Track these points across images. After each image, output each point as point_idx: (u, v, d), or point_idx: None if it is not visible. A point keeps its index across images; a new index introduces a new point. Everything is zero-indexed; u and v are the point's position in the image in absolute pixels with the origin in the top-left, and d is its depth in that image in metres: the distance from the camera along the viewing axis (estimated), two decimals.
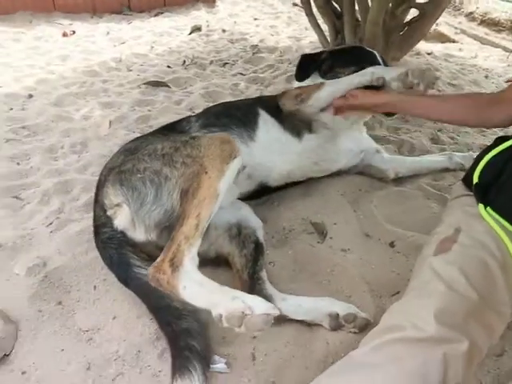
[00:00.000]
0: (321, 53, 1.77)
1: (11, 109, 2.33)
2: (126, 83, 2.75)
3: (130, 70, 2.99)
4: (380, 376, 0.88)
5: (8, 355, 1.08)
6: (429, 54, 3.29)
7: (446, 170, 1.86)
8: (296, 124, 1.59)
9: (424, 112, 1.50)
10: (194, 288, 1.06)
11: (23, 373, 1.05)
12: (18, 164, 1.85)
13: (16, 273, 1.30)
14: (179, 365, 1.01)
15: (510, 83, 1.38)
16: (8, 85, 2.65)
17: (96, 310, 1.21)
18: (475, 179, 1.21)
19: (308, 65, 1.73)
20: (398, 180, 1.79)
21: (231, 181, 1.26)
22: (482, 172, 1.21)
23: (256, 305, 0.96)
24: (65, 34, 3.79)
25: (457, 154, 1.90)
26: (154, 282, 1.11)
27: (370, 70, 1.55)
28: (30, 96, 2.48)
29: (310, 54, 1.82)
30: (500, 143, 1.22)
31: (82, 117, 2.26)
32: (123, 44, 3.62)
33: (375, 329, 1.01)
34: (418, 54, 3.22)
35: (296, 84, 1.76)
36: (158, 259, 1.12)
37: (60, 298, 1.24)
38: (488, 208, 1.15)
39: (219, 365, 1.07)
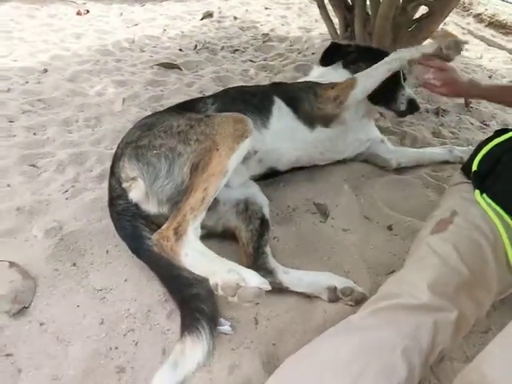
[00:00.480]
0: (349, 45, 1.84)
1: (27, 82, 2.39)
2: (138, 63, 2.80)
3: (143, 51, 3.04)
4: (376, 336, 0.95)
5: (27, 308, 1.15)
6: None
7: (446, 162, 1.93)
8: (314, 118, 1.64)
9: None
10: (195, 256, 1.12)
11: (41, 324, 1.12)
12: (35, 134, 1.91)
13: (34, 235, 1.37)
14: (189, 324, 1.08)
15: None
16: (23, 59, 2.71)
17: (108, 273, 1.28)
18: (474, 167, 1.29)
19: (335, 53, 1.80)
20: (400, 169, 1.86)
21: (240, 159, 1.31)
22: (481, 161, 1.29)
23: (250, 278, 1.02)
24: (79, 13, 3.83)
25: (457, 147, 1.96)
26: (157, 248, 1.18)
27: (393, 56, 1.59)
28: (45, 71, 2.54)
29: (339, 44, 1.88)
30: (500, 135, 1.30)
31: (96, 93, 2.32)
32: (136, 26, 3.67)
33: (372, 297, 1.09)
34: None
35: (315, 70, 1.81)
36: (164, 226, 1.18)
37: (75, 260, 1.30)
38: (484, 194, 1.23)
39: (224, 327, 1.14)
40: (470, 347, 1.15)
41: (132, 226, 1.28)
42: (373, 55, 1.73)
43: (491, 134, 1.37)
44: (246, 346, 1.11)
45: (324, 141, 1.67)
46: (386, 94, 1.72)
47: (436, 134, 2.23)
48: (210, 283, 1.04)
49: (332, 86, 1.65)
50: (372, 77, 1.60)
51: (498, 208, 1.19)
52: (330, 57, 1.81)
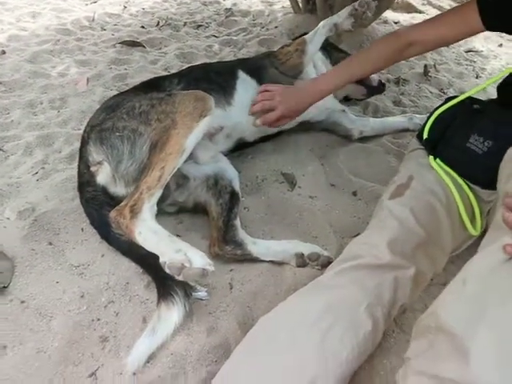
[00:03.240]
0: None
1: None
2: (100, 42, 2.75)
3: (104, 30, 2.98)
4: (342, 294, 1.03)
5: (6, 287, 1.17)
6: (396, 22, 3.41)
7: (407, 130, 2.01)
8: (276, 79, 1.71)
9: (353, 77, 1.58)
10: (148, 235, 1.17)
11: (22, 302, 1.14)
12: None
13: (7, 217, 1.38)
14: (163, 291, 1.13)
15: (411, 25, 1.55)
16: None
17: (85, 249, 1.31)
18: (425, 135, 1.37)
19: None
20: (362, 138, 1.94)
21: (199, 138, 1.34)
22: (430, 128, 1.37)
23: (195, 259, 1.07)
24: None
25: (416, 115, 2.04)
26: (114, 224, 1.23)
27: (322, 23, 1.75)
28: (3, 52, 2.46)
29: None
30: (448, 102, 1.38)
31: (58, 74, 2.27)
32: (95, 3, 3.57)
33: (338, 258, 1.17)
34: (386, 22, 3.33)
35: None
36: (121, 204, 1.23)
37: (50, 239, 1.32)
38: (437, 159, 1.31)
39: (200, 293, 1.19)
40: (430, 299, 1.23)
41: (99, 214, 1.31)
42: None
43: None
44: (222, 309, 1.17)
45: None
46: None
47: (397, 102, 2.32)
48: (160, 261, 1.09)
49: (287, 44, 1.83)
50: (316, 37, 1.76)
51: (450, 170, 1.28)
52: None
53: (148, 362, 1.03)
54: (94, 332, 1.09)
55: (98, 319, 1.12)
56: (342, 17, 1.70)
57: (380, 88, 2.07)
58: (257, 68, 1.73)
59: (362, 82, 2.01)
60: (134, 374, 1.00)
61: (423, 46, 1.47)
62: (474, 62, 3.00)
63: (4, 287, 1.17)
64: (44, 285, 1.19)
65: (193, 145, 1.31)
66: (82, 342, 1.07)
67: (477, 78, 2.76)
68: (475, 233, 1.22)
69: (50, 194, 1.46)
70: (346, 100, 2.14)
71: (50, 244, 1.32)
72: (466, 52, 3.12)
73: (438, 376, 0.76)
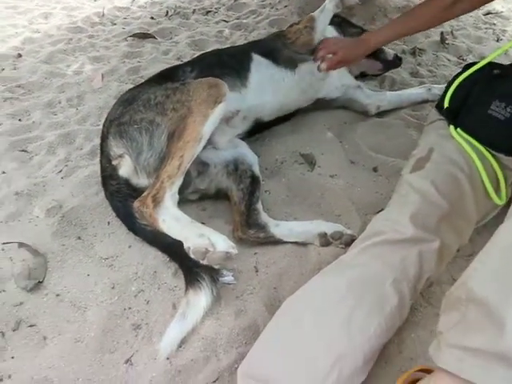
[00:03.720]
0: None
1: (3, 69, 2.37)
2: (111, 37, 2.77)
3: (115, 24, 2.99)
4: (366, 272, 1.04)
5: (41, 282, 1.22)
6: None
7: (426, 101, 1.97)
8: (291, 57, 1.71)
9: (404, 33, 1.69)
10: (171, 222, 1.20)
11: (57, 295, 1.19)
12: (20, 120, 1.92)
13: (36, 215, 1.42)
14: (190, 278, 1.16)
15: None
16: None
17: (112, 242, 1.34)
18: (446, 104, 1.34)
19: None
20: (380, 112, 1.91)
21: (216, 124, 1.35)
22: (451, 97, 1.34)
23: (218, 243, 1.10)
24: None
25: (435, 85, 1.99)
26: (138, 214, 1.26)
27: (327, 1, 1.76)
28: (19, 55, 2.51)
29: None
30: (469, 69, 1.34)
31: (74, 72, 2.31)
32: None
33: (361, 236, 1.17)
34: None
35: None
36: (144, 194, 1.26)
37: (79, 234, 1.37)
38: (458, 129, 1.28)
39: (227, 278, 1.21)
40: (457, 271, 1.23)
41: (124, 206, 1.34)
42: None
43: None
44: (249, 292, 1.20)
45: (306, 77, 1.73)
46: None
47: (414, 74, 2.26)
48: (184, 247, 1.13)
49: (296, 22, 1.82)
50: (323, 13, 1.74)
51: (472, 140, 1.25)
52: None
53: (180, 346, 1.06)
54: (127, 320, 1.13)
55: (130, 308, 1.16)
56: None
57: (396, 62, 2.04)
58: (269, 48, 1.72)
59: (378, 56, 1.98)
60: (168, 358, 1.04)
61: (469, 1, 1.46)
62: (494, 24, 2.89)
63: (39, 282, 1.22)
64: (76, 278, 1.24)
65: (210, 131, 1.33)
66: (116, 331, 1.11)
67: (497, 41, 2.66)
68: (500, 202, 1.20)
69: (75, 191, 1.50)
70: (362, 76, 2.10)
71: (79, 238, 1.36)
72: (485, 15, 3.00)
73: (470, 347, 0.75)
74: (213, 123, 1.33)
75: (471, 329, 0.77)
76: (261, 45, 1.79)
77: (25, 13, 3.28)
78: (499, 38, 2.68)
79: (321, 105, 1.88)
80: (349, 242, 1.27)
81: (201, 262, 1.10)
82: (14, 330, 1.10)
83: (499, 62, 1.36)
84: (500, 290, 0.75)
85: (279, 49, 1.73)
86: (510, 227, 0.84)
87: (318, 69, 1.65)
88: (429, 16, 1.53)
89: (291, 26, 1.83)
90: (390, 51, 2.03)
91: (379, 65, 2.02)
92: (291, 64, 1.70)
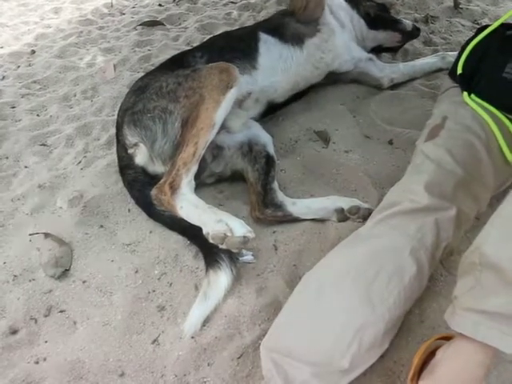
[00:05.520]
0: None
1: (18, 66, 2.42)
2: (121, 27, 2.78)
3: (123, 14, 3.00)
4: (384, 242, 1.04)
5: (68, 270, 1.26)
6: None
7: (440, 70, 1.92)
8: (298, 32, 1.70)
9: None
10: (189, 208, 1.23)
11: (84, 282, 1.23)
12: (38, 115, 1.97)
13: (59, 206, 1.46)
14: (210, 260, 1.19)
15: None
16: (9, 44, 2.72)
17: (134, 228, 1.38)
18: (459, 70, 1.31)
19: None
20: (394, 84, 1.87)
21: (228, 109, 1.36)
22: (464, 62, 1.31)
23: (236, 228, 1.12)
24: None
25: (449, 53, 1.95)
26: (156, 201, 1.29)
27: None
28: (33, 52, 2.56)
29: None
30: (480, 33, 1.30)
31: (86, 65, 2.33)
32: None
33: (377, 208, 1.17)
34: None
35: None
36: (161, 181, 1.28)
37: (101, 222, 1.40)
38: (472, 95, 1.26)
39: (246, 257, 1.23)
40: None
41: (142, 194, 1.37)
42: None
43: None
44: (269, 270, 1.21)
45: (315, 52, 1.71)
46: (387, 19, 1.95)
47: (427, 42, 2.21)
48: (203, 232, 1.16)
49: None
50: None
51: (486, 105, 1.23)
52: None
53: (204, 325, 1.09)
54: (152, 303, 1.17)
55: (154, 291, 1.19)
56: None
57: (415, 33, 2.01)
58: (276, 26, 1.70)
59: (396, 27, 1.96)
60: (193, 337, 1.07)
61: None
62: None
63: (66, 270, 1.26)
64: (101, 264, 1.28)
65: (223, 117, 1.33)
66: (142, 313, 1.14)
67: None
68: None
69: (94, 181, 1.54)
70: (380, 51, 2.06)
71: (102, 227, 1.39)
72: None
73: (486, 311, 0.76)
74: (225, 109, 1.34)
75: (486, 292, 0.77)
76: (267, 23, 1.78)
77: (35, 9, 3.32)
78: None
79: (333, 79, 1.86)
80: (366, 215, 1.26)
81: (220, 246, 1.13)
82: (45, 316, 1.15)
83: None
84: None
85: (285, 25, 1.71)
86: None
87: None
88: None
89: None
90: (408, 22, 1.99)
91: (398, 36, 1.98)
92: (298, 40, 1.68)
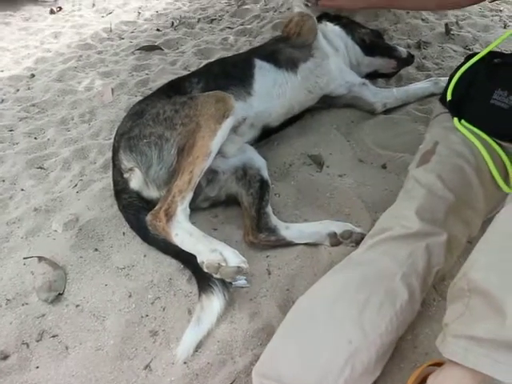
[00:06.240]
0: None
1: (18, 90, 2.45)
2: (120, 51, 2.83)
3: (122, 39, 3.06)
4: (375, 268, 1.04)
5: (62, 294, 1.26)
6: None
7: (433, 95, 1.96)
8: (292, 57, 1.74)
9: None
10: (184, 236, 1.25)
11: (77, 306, 1.23)
12: (36, 138, 1.99)
13: (54, 229, 1.47)
14: (203, 284, 1.19)
15: None
16: (9, 68, 2.76)
17: (128, 252, 1.38)
18: (448, 96, 1.34)
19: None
20: (387, 109, 1.91)
21: (224, 138, 1.38)
22: (453, 89, 1.34)
23: (230, 258, 1.14)
24: (52, 12, 3.81)
25: (441, 78, 1.99)
26: (151, 227, 1.30)
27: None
28: (33, 76, 2.59)
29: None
30: (468, 60, 1.34)
31: (85, 88, 2.37)
32: (110, 14, 3.65)
33: (369, 233, 1.18)
34: None
35: None
36: (156, 208, 1.29)
37: (96, 246, 1.41)
38: (462, 121, 1.29)
39: (240, 281, 1.23)
40: None
41: (137, 219, 1.38)
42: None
43: None
44: (262, 295, 1.22)
45: (309, 76, 1.75)
46: (382, 46, 2.00)
47: (420, 67, 2.26)
48: (198, 261, 1.17)
49: (289, 21, 1.87)
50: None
51: (476, 130, 1.25)
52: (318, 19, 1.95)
53: (196, 350, 1.09)
54: (145, 327, 1.16)
55: (147, 315, 1.19)
56: None
57: (409, 60, 2.06)
58: (271, 52, 1.75)
59: (392, 54, 2.01)
60: (185, 362, 1.07)
61: None
62: (500, 11, 2.86)
63: (60, 294, 1.26)
64: (95, 288, 1.27)
65: (219, 145, 1.36)
66: (135, 338, 1.14)
67: (505, 27, 2.63)
68: (509, 190, 1.19)
69: (90, 204, 1.55)
70: (376, 76, 2.11)
71: (96, 250, 1.40)
72: (491, 1, 2.96)
73: (475, 337, 0.76)
74: (221, 137, 1.36)
75: (475, 318, 0.78)
76: (262, 49, 1.83)
77: (36, 33, 3.38)
78: (506, 25, 2.65)
79: (327, 103, 1.89)
80: (359, 240, 1.28)
81: (214, 275, 1.14)
82: (37, 341, 1.15)
83: (506, 48, 1.36)
84: (500, 278, 0.76)
85: (279, 51, 1.75)
86: (507, 215, 0.84)
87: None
88: None
89: (286, 26, 1.87)
90: (402, 49, 2.05)
91: (393, 63, 2.03)
92: (292, 65, 1.72)
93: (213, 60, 2.02)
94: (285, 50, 1.76)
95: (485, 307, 0.77)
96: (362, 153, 1.69)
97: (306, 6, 1.82)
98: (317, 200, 1.50)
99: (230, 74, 1.63)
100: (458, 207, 1.13)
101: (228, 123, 1.37)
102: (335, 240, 1.32)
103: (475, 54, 1.34)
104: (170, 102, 1.43)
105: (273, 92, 1.66)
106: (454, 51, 2.37)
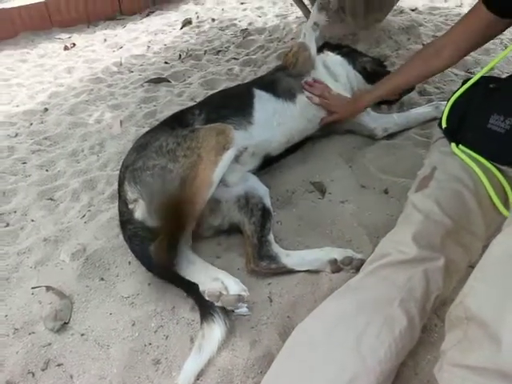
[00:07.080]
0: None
1: (31, 124, 2.55)
2: (129, 84, 2.94)
3: (132, 72, 3.17)
4: (373, 294, 1.05)
5: (67, 323, 1.29)
6: (413, 10, 3.36)
7: (434, 119, 1.97)
8: (290, 87, 1.79)
9: (393, 90, 1.76)
10: (186, 266, 1.30)
11: (82, 334, 1.25)
12: (47, 170, 2.06)
13: (62, 259, 1.51)
14: (204, 312, 1.20)
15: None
16: (24, 103, 2.88)
17: (133, 281, 1.41)
18: (443, 124, 1.36)
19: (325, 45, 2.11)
20: (389, 134, 1.94)
21: (225, 169, 1.42)
22: (448, 115, 1.36)
23: (231, 286, 1.19)
24: (66, 48, 3.98)
25: (442, 102, 2.01)
26: (155, 257, 1.32)
27: (305, 26, 1.90)
28: (46, 110, 2.70)
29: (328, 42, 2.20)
30: (463, 85, 1.36)
31: (95, 121, 2.46)
32: (121, 48, 3.80)
33: (368, 259, 1.18)
34: (402, 12, 3.30)
35: None
36: (159, 238, 1.31)
37: (102, 275, 1.44)
38: (460, 145, 1.30)
39: (241, 309, 1.24)
40: None
41: (141, 249, 1.40)
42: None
43: None
44: (263, 322, 1.22)
45: (307, 106, 1.79)
46: (384, 73, 1.97)
47: (422, 92, 2.29)
48: (200, 290, 1.21)
49: (289, 51, 1.93)
50: (307, 36, 1.87)
51: (474, 154, 1.27)
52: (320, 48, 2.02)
53: (198, 378, 1.09)
54: (147, 356, 1.18)
55: (150, 344, 1.21)
56: (314, 15, 1.87)
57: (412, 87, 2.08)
58: (270, 82, 1.80)
59: None
60: None
61: (455, 46, 1.48)
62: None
63: (65, 323, 1.29)
64: (100, 317, 1.30)
65: (220, 176, 1.40)
66: (138, 366, 1.15)
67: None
68: (508, 214, 1.19)
69: (97, 234, 1.59)
70: (379, 103, 2.12)
71: (102, 279, 1.43)
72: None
73: (471, 366, 0.76)
74: (223, 168, 1.40)
75: (471, 347, 0.78)
76: (261, 80, 1.89)
77: (51, 69, 3.53)
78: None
79: (327, 130, 1.93)
80: (359, 266, 1.27)
81: (215, 303, 1.17)
82: (43, 370, 1.17)
83: (506, 70, 1.37)
84: (495, 306, 0.76)
85: (278, 80, 1.81)
86: (502, 242, 0.85)
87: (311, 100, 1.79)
88: (415, 72, 1.60)
89: (286, 55, 1.94)
90: None
91: None
92: (291, 95, 1.77)
93: (215, 91, 2.08)
94: (283, 79, 1.82)
95: (481, 335, 0.77)
96: (364, 178, 1.71)
97: (314, 30, 1.87)
98: (318, 227, 1.52)
99: (230, 105, 1.68)
100: (457, 232, 1.14)
101: (229, 155, 1.41)
102: (336, 266, 1.33)
103: (469, 79, 1.37)
104: (173, 135, 1.48)
105: (273, 121, 1.70)
106: (455, 75, 2.40)
